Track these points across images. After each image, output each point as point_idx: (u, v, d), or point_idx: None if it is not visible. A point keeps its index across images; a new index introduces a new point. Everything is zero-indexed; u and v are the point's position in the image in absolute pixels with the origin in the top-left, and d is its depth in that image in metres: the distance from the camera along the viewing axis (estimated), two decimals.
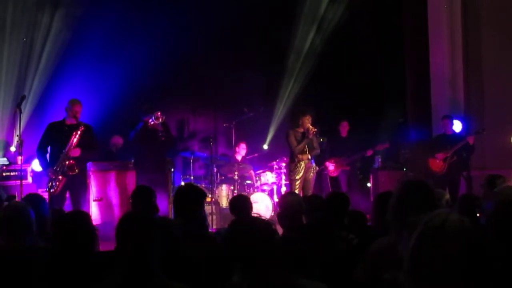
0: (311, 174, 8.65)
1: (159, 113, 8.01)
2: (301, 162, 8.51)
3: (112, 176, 8.60)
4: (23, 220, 3.69)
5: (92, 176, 8.44)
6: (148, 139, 8.16)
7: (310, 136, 8.56)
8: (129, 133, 8.33)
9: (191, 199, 4.23)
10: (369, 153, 10.17)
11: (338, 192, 7.42)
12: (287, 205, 4.75)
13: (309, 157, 8.70)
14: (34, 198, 4.65)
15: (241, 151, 10.31)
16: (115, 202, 8.44)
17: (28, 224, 3.70)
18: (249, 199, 5.51)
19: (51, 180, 7.32)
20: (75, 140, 7.38)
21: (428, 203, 3.06)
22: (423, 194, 3.14)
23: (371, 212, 4.27)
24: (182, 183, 8.95)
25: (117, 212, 8.29)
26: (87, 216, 3.50)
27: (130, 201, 4.94)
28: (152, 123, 8.06)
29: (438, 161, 9.22)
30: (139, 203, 4.75)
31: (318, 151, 9.04)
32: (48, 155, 7.59)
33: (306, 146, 8.58)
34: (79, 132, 7.40)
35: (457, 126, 9.70)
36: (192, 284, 2.73)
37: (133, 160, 8.57)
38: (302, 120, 8.62)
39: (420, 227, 1.78)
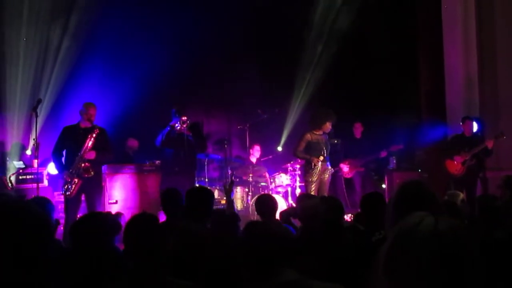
0: (327, 176, 8.60)
1: (184, 118, 8.05)
2: (317, 164, 8.48)
3: (128, 179, 8.64)
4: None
5: (108, 179, 8.49)
6: (175, 143, 8.20)
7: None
8: (156, 137, 8.34)
9: (202, 200, 4.31)
10: (383, 154, 10.15)
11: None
12: (302, 208, 4.76)
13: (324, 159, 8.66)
14: (40, 201, 4.68)
15: (255, 153, 10.33)
16: (131, 204, 8.48)
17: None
18: (273, 198, 5.49)
19: (66, 183, 7.36)
20: (90, 143, 7.42)
21: (424, 204, 3.06)
22: (417, 195, 3.14)
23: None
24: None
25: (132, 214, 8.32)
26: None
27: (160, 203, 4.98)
28: (178, 127, 8.09)
29: (456, 163, 9.13)
30: (169, 205, 4.80)
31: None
32: (63, 159, 7.64)
33: (324, 148, 8.54)
34: (94, 135, 7.44)
35: (474, 126, 9.62)
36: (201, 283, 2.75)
37: (158, 162, 8.66)
38: (324, 123, 8.54)
39: (395, 229, 1.74)
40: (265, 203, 5.32)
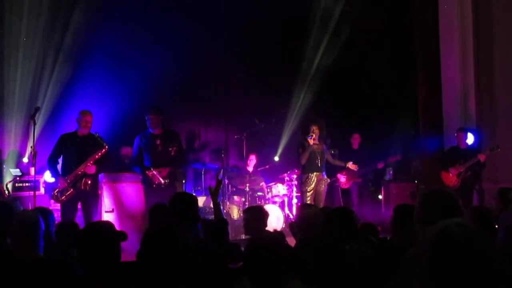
0: (323, 186, 8.59)
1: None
2: (312, 174, 8.47)
3: (124, 187, 8.61)
4: (36, 230, 3.74)
5: (104, 187, 8.47)
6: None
7: (311, 143, 8.46)
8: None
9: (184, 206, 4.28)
10: (381, 165, 10.17)
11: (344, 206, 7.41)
12: (303, 217, 4.76)
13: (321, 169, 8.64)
14: (43, 211, 4.69)
15: (251, 163, 10.30)
16: (127, 213, 8.44)
17: (40, 234, 3.74)
18: (262, 210, 5.34)
19: (60, 190, 7.37)
20: (96, 157, 7.46)
21: (451, 211, 3.06)
22: (444, 202, 3.14)
23: (391, 224, 4.27)
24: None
25: (129, 224, 8.30)
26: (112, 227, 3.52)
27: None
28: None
29: (451, 175, 9.16)
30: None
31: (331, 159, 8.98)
32: (59, 166, 7.65)
33: (319, 157, 8.52)
34: (103, 152, 7.47)
35: (470, 138, 9.65)
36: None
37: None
38: (311, 128, 8.54)
39: (428, 237, 1.82)
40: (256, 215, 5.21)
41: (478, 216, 4.66)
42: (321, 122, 8.65)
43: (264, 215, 5.18)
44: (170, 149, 7.93)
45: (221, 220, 4.64)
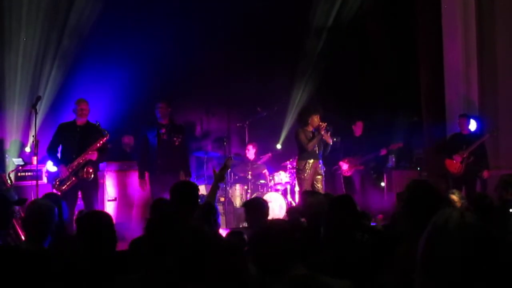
0: (319, 172, 8.50)
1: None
2: (309, 161, 8.40)
3: (126, 176, 8.65)
4: (50, 220, 3.73)
5: (106, 176, 8.49)
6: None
7: (322, 132, 8.38)
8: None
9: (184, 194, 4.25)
10: (383, 152, 10.14)
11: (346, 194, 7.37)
12: (307, 204, 4.75)
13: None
14: (56, 198, 4.68)
15: (249, 152, 10.27)
16: (129, 202, 8.48)
17: (52, 223, 3.74)
18: (264, 203, 5.27)
19: (62, 180, 7.39)
20: (98, 145, 7.48)
21: (437, 202, 3.09)
22: (428, 196, 3.16)
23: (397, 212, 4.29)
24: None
25: (131, 212, 8.33)
26: (109, 217, 3.52)
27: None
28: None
29: (455, 162, 9.13)
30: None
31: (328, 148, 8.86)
32: (59, 155, 7.66)
33: (317, 145, 8.46)
34: (104, 140, 7.50)
35: (472, 125, 9.62)
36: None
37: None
38: (311, 119, 8.45)
39: (428, 228, 1.83)
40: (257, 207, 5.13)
41: (478, 203, 4.68)
42: (320, 110, 8.59)
43: (263, 207, 5.13)
44: (175, 139, 8.06)
45: (208, 204, 4.59)
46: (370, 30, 11.22)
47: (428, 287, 1.78)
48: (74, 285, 3.06)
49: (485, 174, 9.05)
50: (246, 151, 10.30)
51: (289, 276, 2.56)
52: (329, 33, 11.34)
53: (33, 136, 7.70)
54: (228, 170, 9.78)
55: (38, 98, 7.86)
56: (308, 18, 11.19)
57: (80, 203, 7.69)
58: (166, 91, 10.39)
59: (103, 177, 8.43)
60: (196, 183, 4.78)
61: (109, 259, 3.22)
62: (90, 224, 3.40)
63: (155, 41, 10.14)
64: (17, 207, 5.62)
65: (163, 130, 8.07)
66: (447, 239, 1.75)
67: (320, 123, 8.36)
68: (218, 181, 5.06)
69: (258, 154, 10.42)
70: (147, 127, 8.16)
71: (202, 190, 9.16)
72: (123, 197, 8.53)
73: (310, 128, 8.46)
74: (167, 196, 4.87)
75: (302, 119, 8.57)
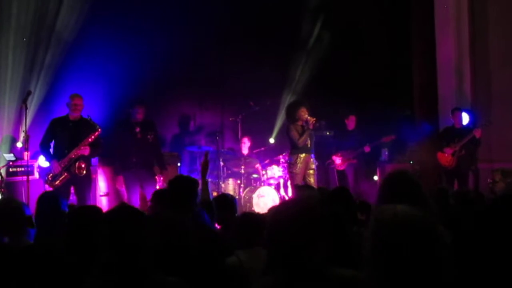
0: (311, 167, 8.50)
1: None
2: (300, 156, 8.39)
3: None
4: (19, 216, 3.70)
5: (99, 171, 8.46)
6: None
7: (311, 127, 8.38)
8: None
9: (185, 189, 4.20)
10: (367, 149, 10.06)
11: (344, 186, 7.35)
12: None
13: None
14: (54, 195, 4.65)
15: (244, 146, 10.26)
16: (121, 197, 8.45)
17: (23, 220, 3.70)
18: (233, 199, 5.03)
19: (54, 175, 7.35)
20: (90, 140, 7.45)
21: (411, 193, 3.10)
22: (404, 185, 3.17)
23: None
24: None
25: None
26: (101, 211, 3.50)
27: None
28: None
29: (447, 155, 9.16)
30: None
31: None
32: (51, 150, 7.62)
33: (308, 139, 8.44)
34: (96, 134, 7.47)
35: (465, 118, 9.63)
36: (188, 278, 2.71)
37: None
38: (298, 113, 8.43)
39: (373, 222, 1.88)
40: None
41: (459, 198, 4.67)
42: (306, 103, 8.59)
43: (232, 203, 4.91)
44: (149, 136, 8.28)
45: (206, 202, 4.54)
46: (364, 22, 11.20)
47: (375, 278, 1.82)
48: (60, 279, 3.04)
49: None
50: (242, 144, 10.28)
51: (302, 268, 2.41)
52: (323, 26, 11.32)
53: (24, 131, 7.66)
54: (222, 165, 9.80)
55: (29, 93, 7.82)
56: (302, 11, 11.16)
57: (72, 198, 7.65)
58: (159, 86, 10.37)
59: (96, 172, 8.40)
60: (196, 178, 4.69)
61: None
62: (82, 218, 3.38)
63: (148, 36, 10.11)
64: None
65: (138, 129, 8.24)
66: (396, 232, 1.79)
67: (309, 118, 8.34)
68: (204, 175, 5.15)
69: (252, 148, 10.41)
70: (122, 126, 8.39)
71: None
72: (115, 192, 8.50)
73: (300, 123, 8.45)
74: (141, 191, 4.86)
75: (290, 115, 8.56)
